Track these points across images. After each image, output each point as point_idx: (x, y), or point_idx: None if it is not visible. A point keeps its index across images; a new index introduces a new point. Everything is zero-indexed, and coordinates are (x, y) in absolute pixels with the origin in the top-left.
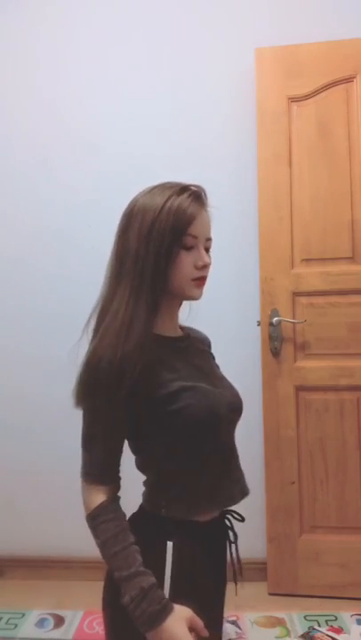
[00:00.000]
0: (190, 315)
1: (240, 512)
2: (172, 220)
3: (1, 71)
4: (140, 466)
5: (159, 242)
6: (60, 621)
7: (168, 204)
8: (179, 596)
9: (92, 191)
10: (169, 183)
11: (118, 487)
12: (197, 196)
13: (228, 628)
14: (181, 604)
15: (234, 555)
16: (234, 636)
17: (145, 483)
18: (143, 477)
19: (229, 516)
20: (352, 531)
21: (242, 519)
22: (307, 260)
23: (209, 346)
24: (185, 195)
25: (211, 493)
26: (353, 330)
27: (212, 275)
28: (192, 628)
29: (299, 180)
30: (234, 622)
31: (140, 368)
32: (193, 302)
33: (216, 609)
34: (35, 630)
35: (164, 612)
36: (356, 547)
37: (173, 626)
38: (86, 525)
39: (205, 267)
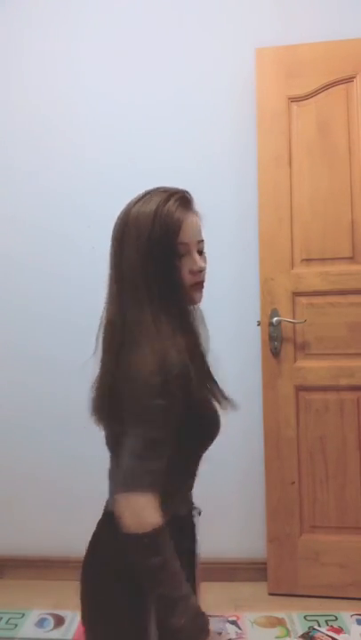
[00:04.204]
0: None
1: (238, 511)
2: (163, 230)
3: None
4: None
5: (161, 259)
6: (60, 621)
7: (157, 215)
8: None
9: (91, 192)
10: (157, 190)
11: None
12: (183, 200)
13: (228, 628)
14: None
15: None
16: (234, 636)
17: (113, 489)
18: None
19: (193, 514)
20: (352, 531)
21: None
22: (307, 260)
23: None
24: (171, 201)
25: (174, 497)
26: (353, 330)
27: (212, 275)
28: None
29: (299, 180)
30: (234, 622)
31: (193, 372)
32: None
33: None
34: (35, 630)
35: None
36: (356, 547)
37: None
38: (87, 525)
39: (201, 271)
